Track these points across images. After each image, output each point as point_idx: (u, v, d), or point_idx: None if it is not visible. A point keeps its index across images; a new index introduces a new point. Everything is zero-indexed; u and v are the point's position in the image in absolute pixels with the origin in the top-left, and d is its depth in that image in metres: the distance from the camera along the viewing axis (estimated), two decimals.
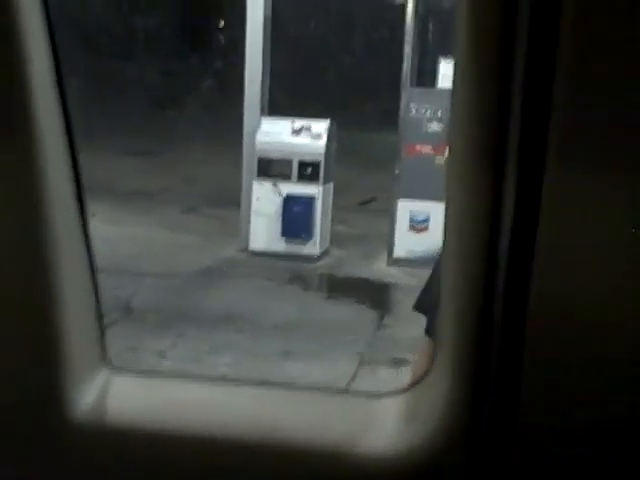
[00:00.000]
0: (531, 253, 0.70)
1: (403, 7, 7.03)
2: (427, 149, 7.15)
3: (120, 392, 0.92)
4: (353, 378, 4.94)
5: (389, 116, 8.75)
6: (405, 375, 4.69)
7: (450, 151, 0.77)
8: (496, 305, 0.74)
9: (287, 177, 7.36)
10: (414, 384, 0.87)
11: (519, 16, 0.66)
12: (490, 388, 0.78)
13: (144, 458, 0.89)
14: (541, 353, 0.74)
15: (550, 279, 0.71)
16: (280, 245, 7.42)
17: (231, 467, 0.88)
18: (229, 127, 9.47)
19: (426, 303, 1.58)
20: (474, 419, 0.81)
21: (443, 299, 0.82)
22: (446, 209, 0.79)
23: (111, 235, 7.12)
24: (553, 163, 0.67)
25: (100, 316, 0.94)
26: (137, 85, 14.60)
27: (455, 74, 0.73)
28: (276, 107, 8.05)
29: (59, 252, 0.84)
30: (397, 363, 5.03)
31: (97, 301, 0.93)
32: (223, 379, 1.03)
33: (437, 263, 1.39)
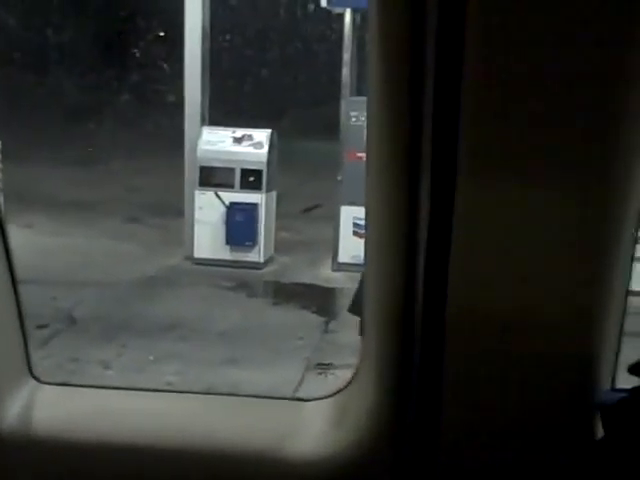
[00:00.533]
0: (446, 261, 0.73)
1: (341, 17, 7.10)
2: None
3: (46, 403, 0.92)
4: (300, 383, 4.97)
5: (330, 124, 8.81)
6: None
7: (367, 164, 0.81)
8: (416, 312, 0.78)
9: (230, 186, 7.35)
10: (340, 389, 0.91)
11: (427, 32, 0.69)
12: (413, 391, 0.81)
13: (72, 467, 0.89)
14: (461, 356, 0.77)
15: (466, 285, 0.74)
16: (224, 253, 7.40)
17: (159, 475, 0.90)
18: (170, 137, 9.38)
19: (360, 305, 1.62)
20: (398, 422, 0.84)
21: (365, 306, 0.86)
22: (366, 220, 0.83)
23: (50, 246, 6.98)
24: (464, 173, 0.70)
25: (23, 328, 0.94)
26: (72, 95, 14.27)
27: (370, 88, 0.77)
28: (218, 117, 8.02)
29: None
30: (345, 367, 5.07)
31: (20, 314, 0.93)
32: (151, 388, 1.03)
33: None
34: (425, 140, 0.72)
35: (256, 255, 7.45)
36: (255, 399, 0.99)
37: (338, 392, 0.91)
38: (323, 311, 6.48)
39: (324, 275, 7.39)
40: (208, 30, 6.85)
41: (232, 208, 7.34)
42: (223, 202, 7.36)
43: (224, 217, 7.38)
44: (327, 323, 6.22)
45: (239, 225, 7.30)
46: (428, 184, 0.73)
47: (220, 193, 7.32)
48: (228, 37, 14.00)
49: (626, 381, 0.81)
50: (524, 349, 0.78)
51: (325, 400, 0.91)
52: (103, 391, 0.98)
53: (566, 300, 0.75)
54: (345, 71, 7.10)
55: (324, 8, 7.19)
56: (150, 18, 14.04)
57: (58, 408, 0.91)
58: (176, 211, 8.14)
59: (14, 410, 0.88)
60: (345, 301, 6.76)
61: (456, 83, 0.68)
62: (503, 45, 0.66)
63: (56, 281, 6.15)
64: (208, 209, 7.39)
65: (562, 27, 0.64)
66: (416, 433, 0.83)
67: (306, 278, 7.28)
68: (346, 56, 7.10)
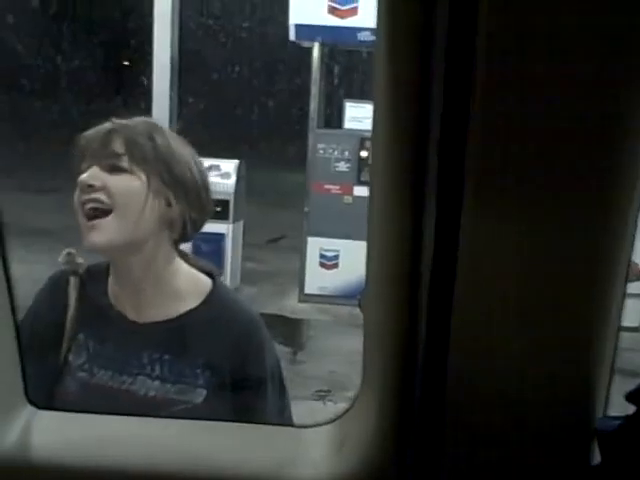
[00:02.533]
0: (451, 289, 0.73)
1: (309, 50, 7.20)
2: (335, 188, 7.28)
3: (44, 429, 0.90)
4: None
5: (297, 157, 8.87)
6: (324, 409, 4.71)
7: (371, 193, 0.81)
8: (419, 336, 0.78)
9: None
10: (341, 415, 0.90)
11: (435, 62, 0.69)
12: (415, 418, 0.81)
13: None
14: (463, 384, 0.77)
15: (469, 313, 0.75)
16: None
17: None
18: None
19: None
20: (400, 449, 0.83)
21: (366, 332, 0.85)
22: (368, 247, 0.83)
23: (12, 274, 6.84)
24: (470, 204, 0.70)
25: (20, 354, 0.93)
26: (81, 120, 14.14)
27: (374, 113, 0.77)
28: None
29: None
30: (314, 398, 5.03)
31: (18, 339, 0.92)
32: (149, 415, 1.02)
33: None
34: (431, 169, 0.72)
35: None
36: (252, 425, 0.98)
37: (338, 418, 0.90)
38: (290, 342, 6.45)
39: (291, 306, 7.37)
40: (177, 62, 6.86)
41: (199, 237, 7.28)
42: None
43: (190, 247, 7.33)
44: (294, 354, 6.19)
45: (205, 255, 7.24)
46: (434, 215, 0.73)
47: None
48: (199, 69, 14.10)
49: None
50: (526, 376, 0.78)
51: (325, 426, 0.91)
52: (101, 417, 0.96)
53: (567, 332, 0.76)
54: (313, 104, 7.17)
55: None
56: None
57: (56, 434, 0.90)
58: None
59: (11, 436, 0.86)
60: (312, 332, 6.75)
61: (464, 119, 0.68)
62: (514, 79, 0.66)
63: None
64: None
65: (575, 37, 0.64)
66: (419, 459, 0.83)
67: (272, 309, 7.25)
68: (314, 89, 7.17)
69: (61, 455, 0.87)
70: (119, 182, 1.33)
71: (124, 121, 1.38)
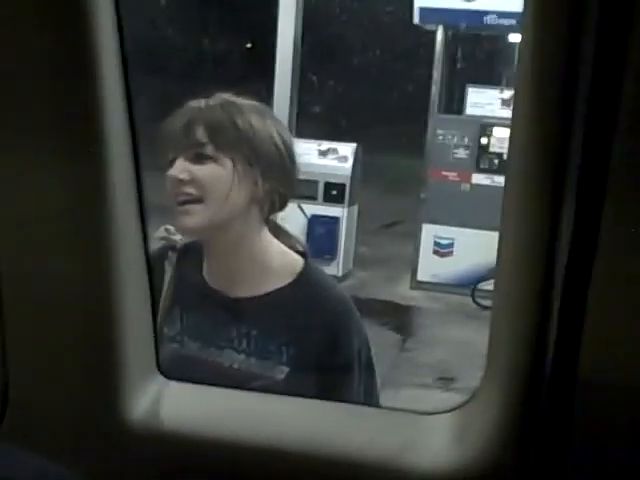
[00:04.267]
0: (586, 283, 0.71)
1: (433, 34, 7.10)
2: (453, 175, 7.18)
3: (173, 399, 0.94)
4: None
5: (414, 141, 8.77)
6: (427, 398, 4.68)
7: (507, 182, 0.80)
8: (549, 327, 0.76)
9: (313, 198, 7.41)
10: (463, 403, 0.90)
11: (583, 48, 0.66)
12: (541, 414, 0.79)
13: (198, 464, 0.91)
14: (594, 382, 0.75)
15: (604, 307, 0.73)
16: None
17: (279, 476, 0.91)
18: None
19: None
20: (522, 444, 0.81)
21: (494, 323, 0.84)
22: (500, 240, 0.82)
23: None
24: (613, 196, 0.67)
25: (155, 325, 0.97)
26: None
27: (515, 105, 0.75)
28: (304, 129, 8.12)
29: (120, 262, 0.87)
30: (419, 386, 5.02)
31: (153, 312, 0.97)
32: (277, 392, 1.05)
33: None
34: (573, 161, 0.70)
35: (334, 268, 7.47)
36: (374, 409, 0.99)
37: (460, 406, 0.89)
38: (400, 329, 6.44)
39: (402, 293, 7.35)
40: (299, 45, 6.95)
41: (314, 220, 7.39)
42: (305, 214, 7.42)
43: (305, 229, 7.44)
44: (404, 341, 6.17)
45: (319, 238, 7.34)
46: (573, 207, 0.71)
47: (302, 205, 7.39)
48: (317, 52, 14.20)
49: None
50: None
51: (447, 414, 0.90)
52: (227, 391, 1.00)
53: None
54: (434, 89, 7.08)
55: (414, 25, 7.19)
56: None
57: (184, 405, 0.94)
58: None
59: (143, 405, 0.91)
60: (422, 320, 6.70)
61: (612, 107, 0.65)
62: None
63: None
64: (290, 220, 7.45)
65: None
66: (542, 456, 0.81)
67: (383, 295, 7.25)
68: (435, 74, 7.08)
69: (189, 424, 0.91)
70: (206, 172, 1.35)
71: (203, 104, 1.39)
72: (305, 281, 1.44)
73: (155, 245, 1.49)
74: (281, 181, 1.41)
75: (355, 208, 7.69)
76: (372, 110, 15.01)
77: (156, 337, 0.96)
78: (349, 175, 7.40)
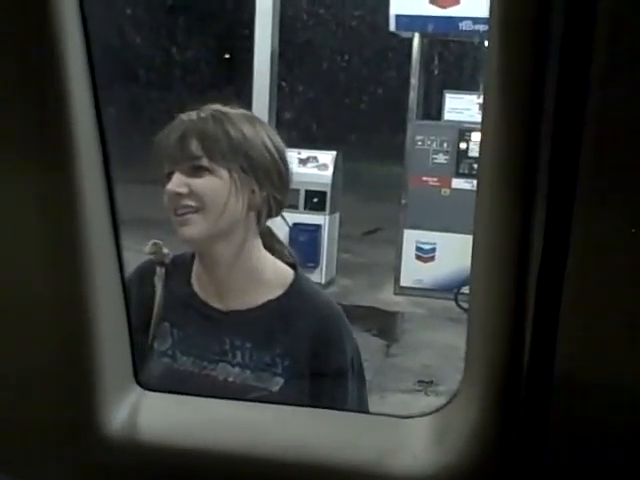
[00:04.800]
0: (560, 282, 0.71)
1: (409, 41, 7.14)
2: (433, 180, 7.22)
3: (152, 409, 0.93)
4: None
5: (394, 148, 8.81)
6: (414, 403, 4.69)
7: (479, 184, 0.80)
8: (525, 329, 0.77)
9: (294, 206, 7.42)
10: (442, 406, 0.90)
11: (550, 54, 0.67)
12: (519, 410, 0.79)
13: (177, 474, 0.90)
14: (571, 375, 0.76)
15: (579, 306, 0.73)
16: None
17: None
18: None
19: None
20: (501, 444, 0.82)
21: (470, 321, 0.85)
22: (473, 242, 0.82)
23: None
24: (583, 195, 0.67)
25: (131, 335, 0.96)
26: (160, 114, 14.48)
27: (484, 106, 0.75)
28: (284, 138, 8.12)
29: (94, 274, 0.86)
30: (405, 391, 5.02)
31: (128, 321, 0.96)
32: (255, 399, 1.05)
33: None
34: (543, 160, 0.71)
35: (318, 276, 7.48)
36: (353, 414, 0.99)
37: (439, 409, 0.90)
38: (384, 334, 6.45)
39: (385, 299, 7.37)
40: (277, 54, 6.96)
41: (295, 229, 7.40)
42: (287, 222, 7.41)
43: (287, 237, 7.43)
44: (388, 347, 6.18)
45: (302, 246, 7.34)
46: (544, 207, 0.71)
47: (284, 213, 7.39)
48: (297, 59, 14.22)
49: None
50: (638, 372, 0.76)
51: (426, 417, 0.90)
52: (207, 400, 0.99)
53: None
54: (412, 95, 7.12)
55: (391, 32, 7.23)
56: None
57: (162, 415, 0.93)
58: None
59: (120, 416, 0.90)
60: (406, 325, 6.72)
61: (579, 107, 0.66)
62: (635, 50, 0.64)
63: None
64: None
65: None
66: (520, 455, 0.82)
67: (367, 301, 7.26)
68: (413, 80, 7.13)
69: (167, 435, 0.90)
70: (204, 184, 1.36)
71: (194, 115, 1.40)
72: (296, 292, 1.45)
73: (143, 260, 1.49)
74: (277, 187, 1.43)
75: (337, 216, 7.71)
76: (350, 117, 15.06)
77: (133, 348, 0.96)
78: (330, 183, 7.42)
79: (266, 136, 1.43)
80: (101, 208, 0.87)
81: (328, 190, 7.42)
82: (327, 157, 7.51)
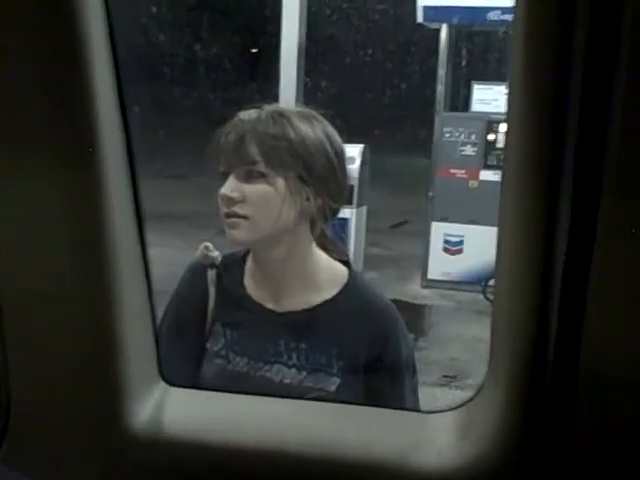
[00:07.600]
0: (586, 278, 0.71)
1: (436, 33, 7.08)
2: (460, 172, 7.16)
3: (176, 405, 0.95)
4: None
5: (420, 141, 8.76)
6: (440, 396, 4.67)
7: (504, 176, 0.79)
8: (550, 323, 0.76)
9: None
10: (466, 401, 0.90)
11: (575, 41, 0.66)
12: (544, 405, 0.79)
13: (201, 469, 0.92)
14: (596, 370, 0.75)
15: (605, 300, 0.72)
16: None
17: (284, 479, 0.91)
18: None
19: None
20: (527, 437, 0.81)
21: (495, 320, 0.84)
22: (498, 234, 0.81)
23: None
24: (609, 190, 0.67)
25: (155, 332, 0.97)
26: (216, 108, 14.42)
27: (510, 98, 0.75)
28: None
29: (120, 271, 0.88)
30: (433, 385, 5.01)
31: (153, 318, 0.97)
32: (279, 395, 1.06)
33: None
34: (568, 154, 0.70)
35: None
36: (377, 409, 0.99)
37: (463, 404, 0.89)
38: (411, 327, 6.41)
39: (413, 291, 7.33)
40: (304, 46, 6.95)
41: None
42: None
43: None
44: (416, 340, 6.15)
45: None
46: (569, 200, 0.71)
47: None
48: (323, 51, 14.17)
49: None
50: None
51: (450, 412, 0.90)
52: (230, 396, 1.00)
53: None
54: (439, 87, 7.06)
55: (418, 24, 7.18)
56: None
57: (187, 411, 0.94)
58: None
59: (145, 411, 0.91)
60: (434, 318, 6.69)
61: (605, 99, 0.65)
62: None
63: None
64: None
65: None
66: (545, 449, 0.81)
67: (394, 294, 7.23)
68: (441, 72, 7.06)
69: (192, 431, 0.91)
70: (258, 191, 1.33)
71: (254, 115, 1.35)
72: (351, 292, 1.43)
73: (195, 261, 1.49)
74: (333, 195, 1.39)
75: (364, 209, 7.68)
76: (375, 110, 14.99)
77: (157, 344, 0.97)
78: (357, 176, 7.39)
79: (325, 138, 1.37)
80: (127, 206, 0.89)
81: (355, 183, 7.38)
82: (354, 150, 7.48)
